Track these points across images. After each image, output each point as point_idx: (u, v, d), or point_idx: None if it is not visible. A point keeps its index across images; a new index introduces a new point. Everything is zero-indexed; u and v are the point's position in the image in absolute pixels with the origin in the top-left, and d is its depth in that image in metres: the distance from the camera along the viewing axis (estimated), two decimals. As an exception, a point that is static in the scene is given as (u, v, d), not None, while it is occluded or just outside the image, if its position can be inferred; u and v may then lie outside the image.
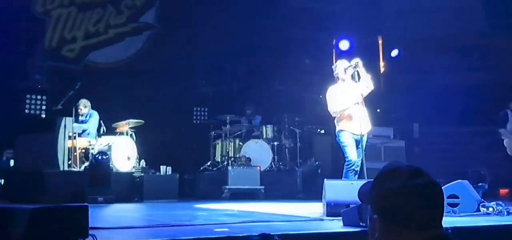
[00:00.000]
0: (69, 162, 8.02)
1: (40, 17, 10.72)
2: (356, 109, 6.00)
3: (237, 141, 9.96)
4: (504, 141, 8.47)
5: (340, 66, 6.18)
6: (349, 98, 6.04)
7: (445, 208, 4.64)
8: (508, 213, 5.19)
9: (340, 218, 4.44)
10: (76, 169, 8.05)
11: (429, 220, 1.42)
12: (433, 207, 1.44)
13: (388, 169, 1.51)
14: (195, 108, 11.55)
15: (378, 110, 11.49)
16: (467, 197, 5.45)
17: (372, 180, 1.55)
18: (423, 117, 11.66)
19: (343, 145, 6.05)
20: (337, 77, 6.20)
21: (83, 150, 8.62)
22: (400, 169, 1.48)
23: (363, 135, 5.93)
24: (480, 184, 6.30)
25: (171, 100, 11.07)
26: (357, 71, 6.00)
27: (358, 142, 5.99)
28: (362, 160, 6.00)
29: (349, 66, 6.10)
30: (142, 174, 8.43)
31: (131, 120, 8.91)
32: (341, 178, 6.01)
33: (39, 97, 9.74)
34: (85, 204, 3.41)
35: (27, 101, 9.68)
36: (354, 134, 6.01)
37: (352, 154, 5.94)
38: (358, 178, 6.05)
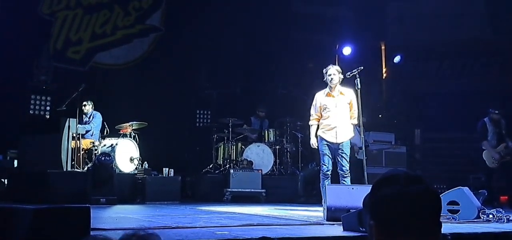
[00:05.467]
0: (73, 163, 8.07)
1: (47, 18, 10.78)
2: (335, 119, 6.14)
3: (239, 144, 9.99)
4: (483, 153, 8.41)
5: (330, 73, 6.15)
6: (329, 112, 6.16)
7: (445, 214, 4.61)
8: (508, 220, 5.19)
9: (340, 222, 4.46)
10: (79, 170, 8.11)
11: (424, 227, 1.42)
12: (428, 214, 1.44)
13: (386, 175, 1.51)
14: (198, 111, 11.58)
15: (380, 116, 11.52)
16: (467, 204, 5.45)
17: None
18: (425, 123, 11.66)
19: (320, 152, 6.22)
20: (327, 82, 6.22)
21: (87, 151, 8.68)
22: (398, 176, 1.48)
23: (339, 144, 6.10)
24: (480, 190, 6.29)
25: (175, 103, 11.10)
26: (359, 78, 6.05)
27: (333, 150, 6.14)
28: (363, 165, 6.08)
29: (351, 74, 6.13)
30: (145, 176, 8.46)
31: (135, 122, 8.97)
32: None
33: (43, 97, 9.79)
34: (87, 205, 3.46)
35: (32, 101, 9.73)
36: (329, 142, 6.14)
37: (327, 162, 6.12)
38: (358, 183, 6.11)
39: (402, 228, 1.42)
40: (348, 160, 6.15)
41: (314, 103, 6.30)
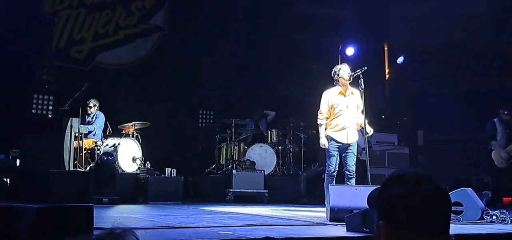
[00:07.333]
0: (75, 163, 8.06)
1: (49, 17, 10.78)
2: (346, 119, 6.01)
3: (242, 144, 9.97)
4: (492, 153, 8.37)
5: (344, 70, 6.07)
6: (340, 111, 6.02)
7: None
8: (512, 222, 5.18)
9: (344, 223, 4.45)
10: (82, 169, 8.10)
11: (434, 227, 1.40)
12: (438, 214, 1.42)
13: (395, 174, 1.50)
14: (201, 111, 11.57)
15: (382, 117, 11.50)
16: (471, 205, 5.43)
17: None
18: (428, 124, 11.64)
19: (327, 153, 6.08)
20: (337, 81, 6.10)
21: (89, 151, 8.67)
22: (407, 175, 1.46)
23: (350, 145, 6.00)
24: (484, 192, 6.27)
25: (177, 103, 11.10)
26: (363, 79, 6.00)
27: (342, 150, 6.03)
28: (366, 166, 6.01)
29: (355, 74, 6.06)
30: (147, 176, 8.46)
31: (137, 122, 8.96)
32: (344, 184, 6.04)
33: (46, 97, 9.78)
34: (90, 204, 3.44)
35: (35, 101, 9.71)
36: (340, 143, 6.02)
37: (333, 163, 6.00)
38: (362, 184, 6.07)
39: (412, 228, 1.40)
40: (354, 161, 6.06)
41: (324, 101, 6.08)
